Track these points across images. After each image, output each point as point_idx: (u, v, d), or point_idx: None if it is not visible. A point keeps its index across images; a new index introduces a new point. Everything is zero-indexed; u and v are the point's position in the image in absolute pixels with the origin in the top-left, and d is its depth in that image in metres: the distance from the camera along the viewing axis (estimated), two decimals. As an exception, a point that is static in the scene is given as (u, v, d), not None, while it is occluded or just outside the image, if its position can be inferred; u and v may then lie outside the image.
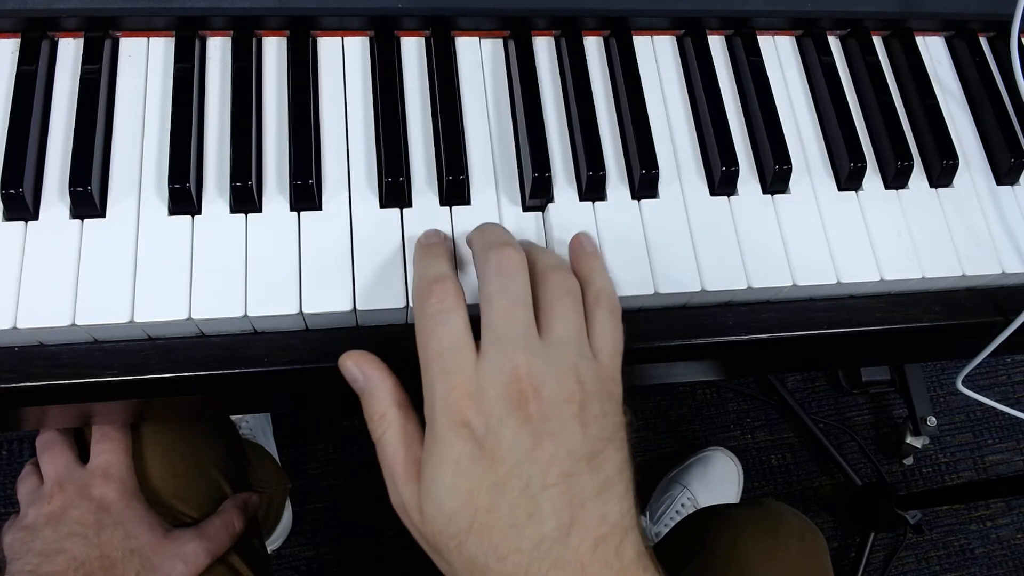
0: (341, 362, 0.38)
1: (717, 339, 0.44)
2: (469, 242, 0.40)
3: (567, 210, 0.44)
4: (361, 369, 0.37)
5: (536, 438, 0.33)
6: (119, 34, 0.45)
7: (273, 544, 1.11)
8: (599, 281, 0.38)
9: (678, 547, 0.70)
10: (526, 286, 0.36)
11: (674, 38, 0.50)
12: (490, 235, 0.38)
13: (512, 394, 0.33)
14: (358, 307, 0.40)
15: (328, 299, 0.40)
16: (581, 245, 0.41)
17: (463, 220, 0.43)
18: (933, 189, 0.48)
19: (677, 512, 1.15)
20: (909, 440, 1.23)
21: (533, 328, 0.35)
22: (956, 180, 0.48)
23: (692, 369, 0.60)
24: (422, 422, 0.36)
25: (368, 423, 0.37)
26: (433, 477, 0.34)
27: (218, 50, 0.45)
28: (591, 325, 0.37)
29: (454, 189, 0.42)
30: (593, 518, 0.33)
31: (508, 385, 0.34)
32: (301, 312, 0.39)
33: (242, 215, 0.41)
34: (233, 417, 0.97)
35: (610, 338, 0.37)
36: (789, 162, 0.45)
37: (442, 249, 0.39)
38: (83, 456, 0.54)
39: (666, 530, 1.12)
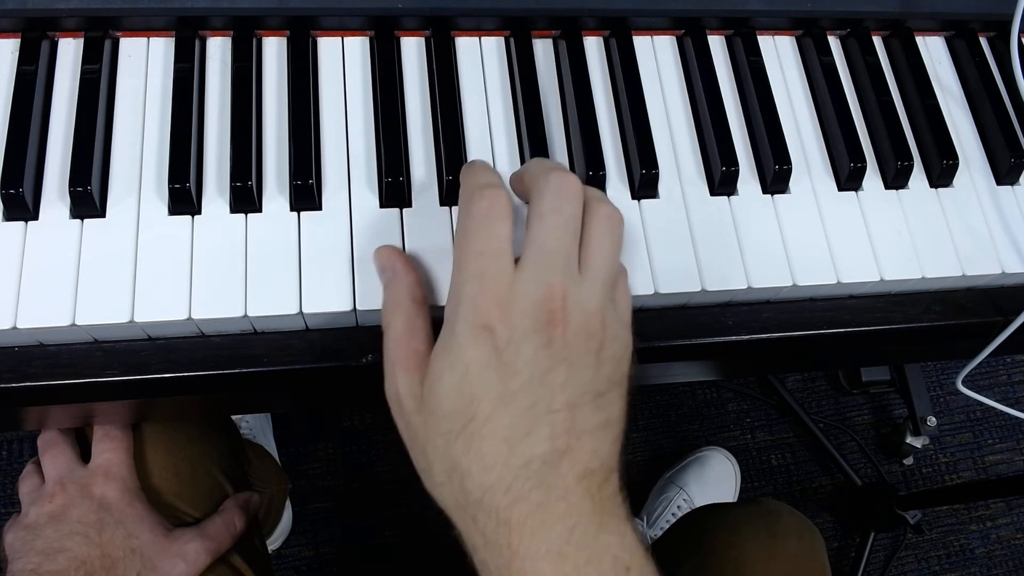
0: (376, 251, 0.39)
1: (717, 339, 0.44)
2: (515, 180, 0.39)
3: (567, 210, 0.44)
4: (390, 260, 0.38)
5: (554, 362, 0.33)
6: (119, 34, 0.45)
7: (273, 544, 1.11)
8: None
9: (676, 546, 0.70)
10: (579, 215, 0.36)
11: (674, 38, 0.50)
12: (550, 163, 0.37)
13: (542, 312, 0.33)
14: (358, 307, 0.40)
15: (328, 299, 0.40)
16: None
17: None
18: (933, 189, 0.48)
19: (673, 515, 1.14)
20: (909, 440, 1.23)
21: (575, 257, 0.35)
22: (956, 180, 0.48)
23: (692, 369, 0.60)
24: (432, 324, 0.36)
25: (383, 312, 0.37)
26: (440, 374, 0.34)
27: (218, 50, 0.45)
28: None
29: (455, 189, 0.42)
30: (587, 451, 0.33)
31: (541, 303, 0.33)
32: (301, 312, 0.39)
33: (242, 215, 0.41)
34: (233, 417, 0.97)
35: (626, 296, 0.38)
36: (789, 162, 0.45)
37: (492, 168, 0.38)
38: (84, 455, 0.54)
39: (662, 533, 1.12)
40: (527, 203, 0.37)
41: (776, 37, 0.51)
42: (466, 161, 0.44)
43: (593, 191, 0.37)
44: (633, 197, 0.45)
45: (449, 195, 0.43)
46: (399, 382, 0.35)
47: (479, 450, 0.32)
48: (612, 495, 0.34)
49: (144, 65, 0.44)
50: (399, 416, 0.36)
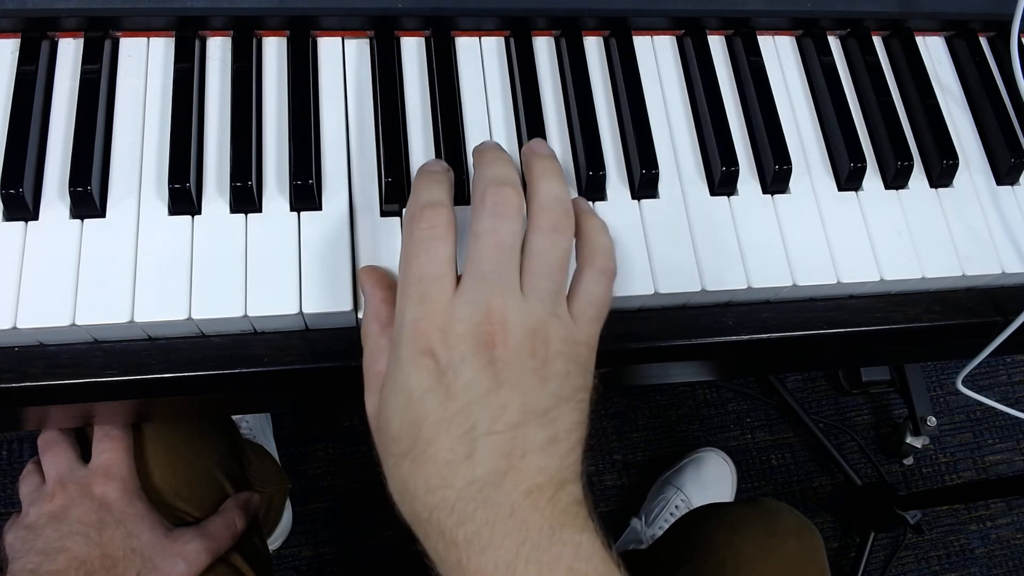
0: (359, 272, 0.40)
1: (717, 339, 0.44)
2: (474, 163, 0.39)
3: (567, 210, 0.44)
4: (361, 281, 0.39)
5: (494, 383, 0.33)
6: (119, 34, 0.45)
7: (273, 544, 1.11)
8: (598, 239, 0.38)
9: (675, 546, 0.70)
10: (518, 232, 0.35)
11: (674, 38, 0.50)
12: (492, 168, 0.37)
13: (481, 335, 0.33)
14: (358, 307, 0.40)
15: (328, 299, 0.40)
16: (578, 205, 0.39)
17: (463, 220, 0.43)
18: (933, 189, 0.48)
19: (671, 514, 1.14)
20: (909, 440, 1.23)
21: (516, 275, 0.35)
22: (956, 180, 0.48)
23: (692, 369, 0.60)
24: None
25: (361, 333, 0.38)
26: (387, 399, 0.35)
27: (218, 50, 0.45)
28: (578, 282, 0.37)
29: (454, 189, 0.42)
30: (532, 469, 0.33)
31: (479, 325, 0.33)
32: (301, 312, 0.39)
33: (242, 215, 0.41)
34: (233, 417, 0.97)
35: (593, 302, 0.36)
36: (789, 162, 0.45)
37: (443, 178, 0.38)
38: (85, 455, 0.54)
39: (661, 532, 1.12)
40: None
41: (776, 37, 0.51)
42: (466, 161, 0.44)
43: (541, 195, 0.36)
44: (633, 197, 0.45)
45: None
46: (367, 402, 0.37)
47: (423, 472, 0.33)
48: (567, 507, 0.33)
49: (144, 65, 0.44)
50: (372, 433, 0.37)
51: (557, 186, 0.37)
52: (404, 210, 0.37)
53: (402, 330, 0.34)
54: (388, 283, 0.38)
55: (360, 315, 0.40)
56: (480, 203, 0.35)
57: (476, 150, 0.39)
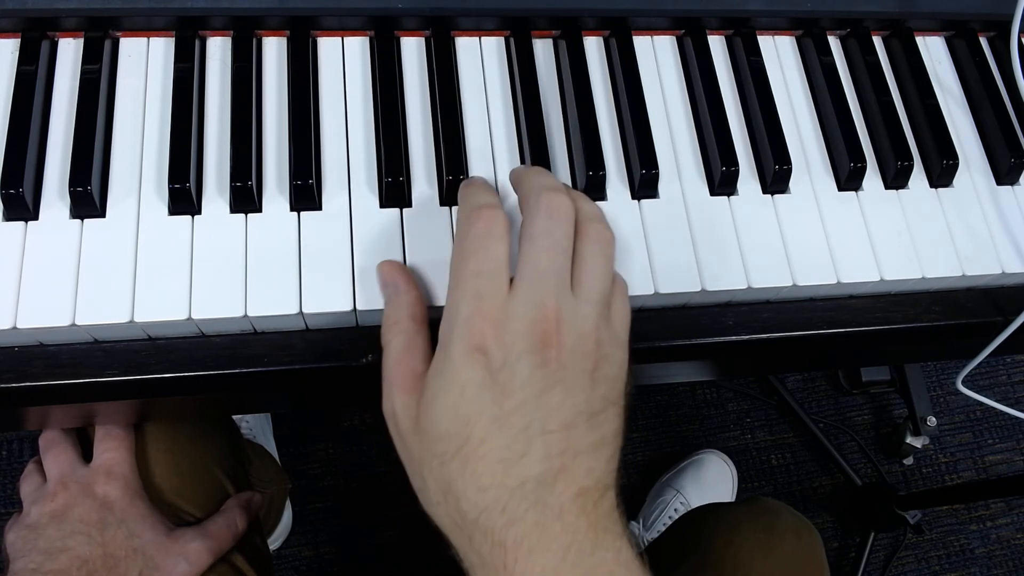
0: (379, 267, 0.39)
1: (717, 339, 0.44)
2: (513, 181, 0.40)
3: (567, 210, 0.44)
4: (391, 276, 0.38)
5: (549, 383, 0.33)
6: (119, 34, 0.45)
7: (273, 544, 1.11)
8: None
9: (674, 545, 0.70)
10: (571, 236, 0.36)
11: (674, 38, 0.50)
12: (543, 178, 0.38)
13: (536, 333, 0.33)
14: (358, 307, 0.40)
15: (328, 299, 0.40)
16: None
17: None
18: (933, 189, 0.48)
19: (670, 518, 1.14)
20: (909, 440, 1.23)
21: (568, 277, 0.35)
22: (956, 180, 0.48)
23: (692, 369, 0.60)
24: (432, 342, 0.36)
25: (382, 329, 0.38)
26: (435, 395, 0.34)
27: (218, 50, 0.45)
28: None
29: (454, 189, 0.42)
30: (582, 470, 0.33)
31: (535, 323, 0.33)
32: (301, 312, 0.39)
33: (242, 215, 0.41)
34: (233, 417, 0.97)
35: (624, 311, 0.37)
36: (789, 162, 0.45)
37: (491, 187, 0.39)
38: (86, 455, 0.54)
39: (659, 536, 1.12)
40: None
41: (776, 37, 0.51)
42: (466, 160, 0.44)
43: (585, 210, 0.37)
44: (633, 197, 0.45)
45: (449, 195, 0.43)
46: (396, 402, 0.36)
47: (474, 471, 0.32)
48: (608, 512, 0.34)
49: (144, 65, 0.44)
50: (395, 435, 0.36)
51: (596, 207, 0.38)
52: (457, 208, 0.38)
53: (454, 325, 0.34)
54: (414, 281, 0.39)
55: (359, 310, 0.40)
56: (535, 206, 0.36)
57: (515, 170, 0.41)
